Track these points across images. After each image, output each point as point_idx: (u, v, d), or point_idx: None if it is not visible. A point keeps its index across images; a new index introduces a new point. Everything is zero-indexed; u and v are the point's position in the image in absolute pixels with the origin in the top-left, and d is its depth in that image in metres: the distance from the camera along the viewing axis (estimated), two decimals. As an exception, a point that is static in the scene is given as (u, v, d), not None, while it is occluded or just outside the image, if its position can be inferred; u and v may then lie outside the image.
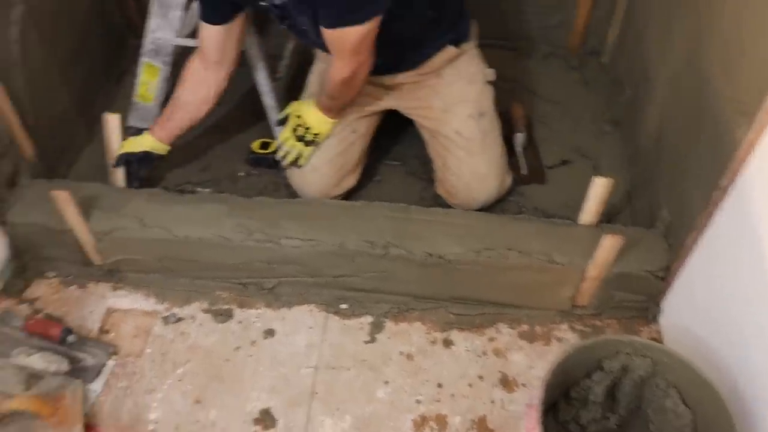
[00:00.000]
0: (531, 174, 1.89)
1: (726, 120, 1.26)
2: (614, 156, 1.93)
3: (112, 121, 1.60)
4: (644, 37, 1.84)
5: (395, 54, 1.62)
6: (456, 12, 1.66)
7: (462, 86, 1.72)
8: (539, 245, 1.53)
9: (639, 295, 1.59)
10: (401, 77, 1.70)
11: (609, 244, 1.46)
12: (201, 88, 1.68)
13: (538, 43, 2.25)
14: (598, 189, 1.52)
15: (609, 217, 1.70)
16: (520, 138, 1.92)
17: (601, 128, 2.02)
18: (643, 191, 1.74)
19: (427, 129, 1.76)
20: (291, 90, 1.91)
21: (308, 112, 1.66)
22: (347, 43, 1.44)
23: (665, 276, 1.53)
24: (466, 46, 1.70)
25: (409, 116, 1.79)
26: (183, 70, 1.69)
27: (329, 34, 1.44)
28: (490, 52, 1.79)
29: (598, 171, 1.88)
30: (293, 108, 1.71)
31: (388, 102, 1.75)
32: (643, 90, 1.80)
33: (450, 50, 1.67)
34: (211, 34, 1.60)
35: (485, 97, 1.74)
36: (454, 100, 1.71)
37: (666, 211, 1.55)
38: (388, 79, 1.70)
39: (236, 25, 1.61)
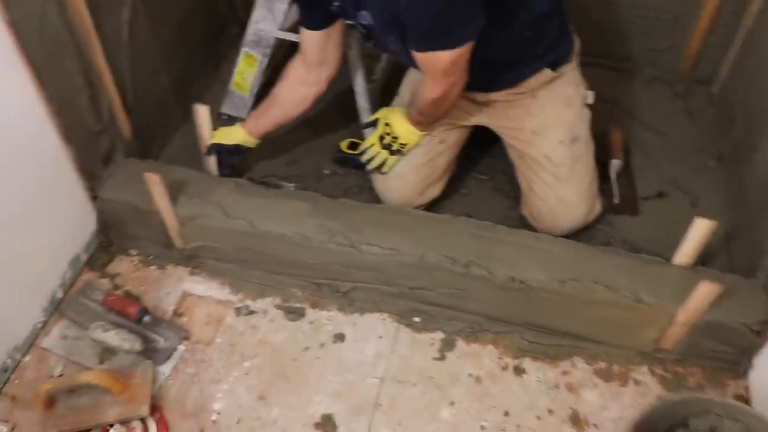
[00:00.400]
0: (623, 204, 1.80)
1: None
2: (715, 194, 1.82)
3: (202, 112, 1.61)
4: (766, 73, 1.72)
5: (489, 74, 1.56)
6: (556, 33, 1.57)
7: (557, 109, 1.64)
8: (628, 282, 1.46)
9: (729, 347, 1.49)
10: (494, 95, 1.64)
11: (705, 291, 1.37)
12: (300, 87, 1.67)
13: (643, 65, 2.15)
14: (699, 231, 1.42)
15: (703, 259, 1.60)
16: (615, 165, 1.84)
17: (703, 162, 1.91)
18: (745, 236, 1.63)
19: (516, 149, 1.70)
20: (385, 93, 1.89)
21: (397, 122, 1.63)
22: (438, 65, 1.39)
23: (762, 331, 1.43)
24: (565, 68, 1.62)
25: (498, 134, 1.74)
26: (285, 67, 1.69)
27: (419, 57, 1.40)
28: (590, 70, 1.71)
29: (695, 208, 1.80)
30: (383, 114, 1.68)
31: (479, 118, 1.70)
32: (758, 127, 1.68)
33: (547, 73, 1.59)
34: (310, 37, 1.59)
35: (581, 121, 1.66)
36: (546, 123, 1.64)
37: (771, 261, 1.45)
38: (480, 96, 1.65)
39: (335, 30, 1.59)
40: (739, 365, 1.51)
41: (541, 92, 1.62)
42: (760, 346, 1.45)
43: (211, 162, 1.71)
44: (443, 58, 1.37)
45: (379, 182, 1.73)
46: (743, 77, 1.89)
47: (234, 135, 1.71)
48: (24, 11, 1.29)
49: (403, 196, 1.70)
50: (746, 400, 1.47)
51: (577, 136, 1.65)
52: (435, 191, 1.75)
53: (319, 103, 1.74)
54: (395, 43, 1.46)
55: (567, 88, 1.64)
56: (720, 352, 1.50)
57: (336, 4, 1.46)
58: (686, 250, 1.47)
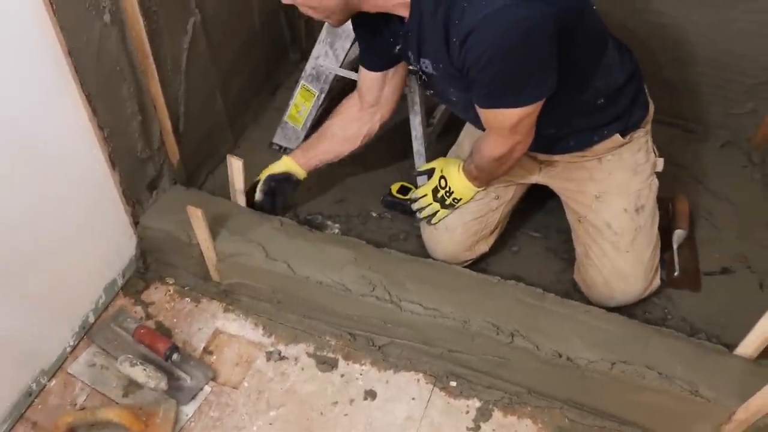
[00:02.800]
0: (684, 277, 1.69)
1: None
2: (787, 274, 1.70)
3: (236, 164, 1.54)
4: None
5: (555, 135, 1.48)
6: (631, 99, 1.48)
7: (623, 176, 1.54)
8: (684, 370, 1.35)
9: (790, 452, 1.37)
10: (557, 157, 1.56)
11: (771, 393, 1.26)
12: (352, 125, 1.63)
13: (718, 128, 2.03)
14: (770, 322, 1.31)
15: (766, 351, 1.48)
16: (679, 235, 1.73)
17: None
18: (817, 329, 1.50)
19: (575, 212, 1.61)
20: (441, 137, 1.83)
21: (454, 176, 1.56)
22: (505, 123, 1.32)
23: (828, 440, 1.31)
24: (636, 133, 1.53)
25: (558, 194, 1.65)
26: (340, 104, 1.64)
27: (483, 112, 1.33)
28: (660, 129, 1.62)
29: (763, 289, 1.67)
30: (440, 165, 1.62)
31: (540, 178, 1.62)
32: None
33: (616, 139, 1.50)
34: (368, 77, 1.55)
35: (648, 190, 1.56)
36: (611, 190, 1.54)
37: None
38: (543, 156, 1.57)
39: (395, 73, 1.54)
40: (797, 472, 1.39)
41: (608, 157, 1.53)
42: (825, 456, 1.33)
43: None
44: (510, 116, 1.29)
45: (427, 233, 1.66)
46: None
47: (282, 164, 1.67)
48: (83, 37, 1.27)
49: (450, 250, 1.63)
50: None
51: (642, 205, 1.55)
52: (484, 247, 1.67)
53: (372, 142, 1.69)
54: (457, 95, 1.40)
55: (635, 155, 1.54)
56: (778, 455, 1.38)
57: (398, 48, 1.40)
58: (753, 341, 1.36)
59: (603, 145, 1.50)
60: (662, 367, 1.36)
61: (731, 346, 1.40)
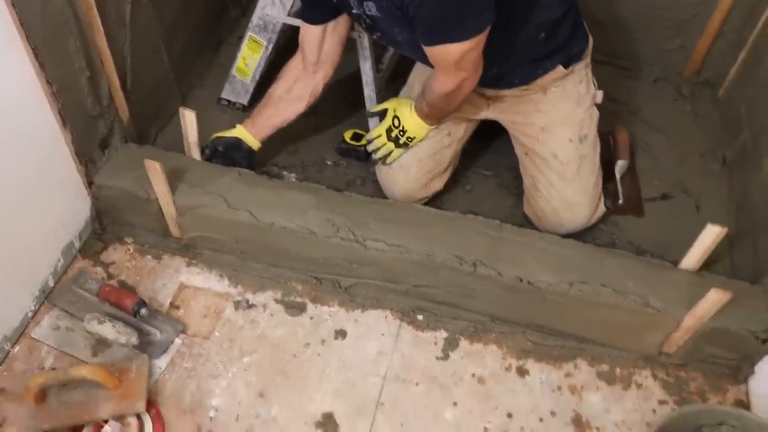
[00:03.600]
0: (628, 205, 1.79)
1: None
2: (719, 198, 1.82)
3: (189, 116, 1.53)
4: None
5: (501, 71, 1.53)
6: (570, 32, 1.54)
7: (567, 107, 1.61)
8: (635, 286, 1.44)
9: (733, 353, 1.48)
10: (505, 91, 1.61)
11: (715, 299, 1.35)
12: (296, 86, 1.64)
13: (650, 65, 2.13)
14: (709, 237, 1.41)
15: (706, 263, 1.59)
16: (622, 165, 1.82)
17: (708, 166, 1.90)
18: (750, 242, 1.62)
19: (523, 145, 1.67)
20: (392, 82, 1.85)
21: (407, 116, 1.60)
22: (449, 59, 1.35)
23: (767, 338, 1.42)
24: (577, 65, 1.59)
25: (506, 128, 1.71)
26: (282, 68, 1.65)
27: (429, 50, 1.36)
28: (597, 68, 1.68)
29: (700, 211, 1.79)
30: (392, 106, 1.64)
31: (488, 113, 1.68)
32: (765, 134, 1.67)
33: (559, 70, 1.56)
34: (310, 33, 1.56)
35: (590, 121, 1.64)
36: (556, 121, 1.61)
37: (777, 269, 1.44)
38: (490, 91, 1.62)
39: (337, 26, 1.55)
40: (740, 371, 1.50)
41: (552, 89, 1.60)
42: (764, 353, 1.45)
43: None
44: (454, 50, 1.33)
45: (383, 173, 1.70)
46: (751, 82, 1.87)
47: (234, 131, 1.68)
48: (25, -12, 1.23)
49: (406, 188, 1.67)
50: (746, 406, 1.47)
51: (585, 135, 1.62)
52: (438, 184, 1.72)
53: (323, 89, 1.70)
54: (402, 35, 1.42)
55: (578, 87, 1.61)
56: (723, 357, 1.50)
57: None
58: (694, 255, 1.46)
59: (547, 77, 1.56)
60: (616, 284, 1.44)
61: (675, 263, 1.49)
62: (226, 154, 1.66)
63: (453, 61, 1.36)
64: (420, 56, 1.44)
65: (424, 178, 1.67)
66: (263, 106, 1.69)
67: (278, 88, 1.66)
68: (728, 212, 1.77)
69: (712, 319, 1.41)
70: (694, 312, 1.40)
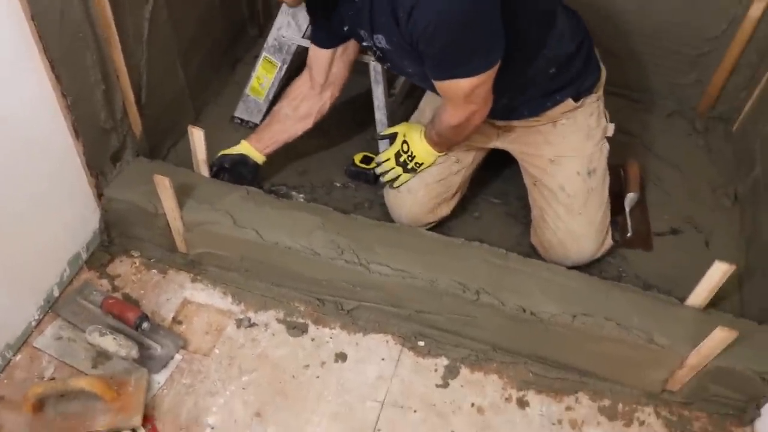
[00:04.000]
0: (637, 238, 1.77)
1: None
2: (730, 234, 1.80)
3: (197, 134, 1.55)
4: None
5: (510, 103, 1.53)
6: (582, 66, 1.54)
7: (576, 140, 1.61)
8: (640, 321, 1.42)
9: (738, 394, 1.46)
10: (515, 122, 1.62)
11: (721, 337, 1.34)
12: (302, 104, 1.66)
13: (664, 98, 2.12)
14: (717, 273, 1.39)
15: (714, 301, 1.57)
16: (631, 198, 1.81)
17: (719, 201, 1.88)
18: (759, 280, 1.60)
19: (531, 176, 1.67)
20: (404, 105, 1.86)
21: (416, 141, 1.60)
22: (459, 93, 1.36)
23: (773, 379, 1.40)
24: (588, 98, 1.59)
25: (516, 158, 1.71)
26: (289, 85, 1.67)
27: (439, 85, 1.38)
28: (609, 99, 1.68)
29: (710, 247, 1.77)
30: (402, 130, 1.65)
31: (498, 143, 1.68)
32: (777, 171, 1.66)
33: (569, 103, 1.56)
34: (318, 55, 1.58)
35: (599, 154, 1.63)
36: (565, 153, 1.61)
37: (787, 310, 1.42)
38: (500, 122, 1.62)
39: (347, 50, 1.57)
40: (745, 413, 1.48)
41: (563, 121, 1.60)
42: (770, 395, 1.43)
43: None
44: (463, 85, 1.34)
45: (390, 196, 1.70)
46: (765, 117, 1.86)
47: (238, 147, 1.69)
48: (45, 3, 1.25)
49: (413, 213, 1.67)
50: (751, 448, 1.45)
51: (594, 168, 1.62)
52: (446, 210, 1.72)
53: (335, 112, 1.72)
54: (412, 67, 1.44)
55: (588, 119, 1.61)
56: (727, 398, 1.47)
57: (346, 29, 1.43)
58: (701, 292, 1.44)
59: (557, 109, 1.56)
60: (620, 318, 1.43)
61: (682, 299, 1.48)
62: (233, 170, 1.68)
63: (462, 95, 1.37)
64: (430, 87, 1.45)
65: (432, 202, 1.67)
66: (269, 122, 1.70)
67: (285, 106, 1.68)
68: (738, 249, 1.75)
69: (717, 358, 1.39)
70: (699, 350, 1.38)
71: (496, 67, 1.31)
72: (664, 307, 1.47)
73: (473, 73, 1.31)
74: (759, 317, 1.49)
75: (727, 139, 2.05)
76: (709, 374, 1.42)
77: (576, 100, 1.56)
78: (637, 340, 1.41)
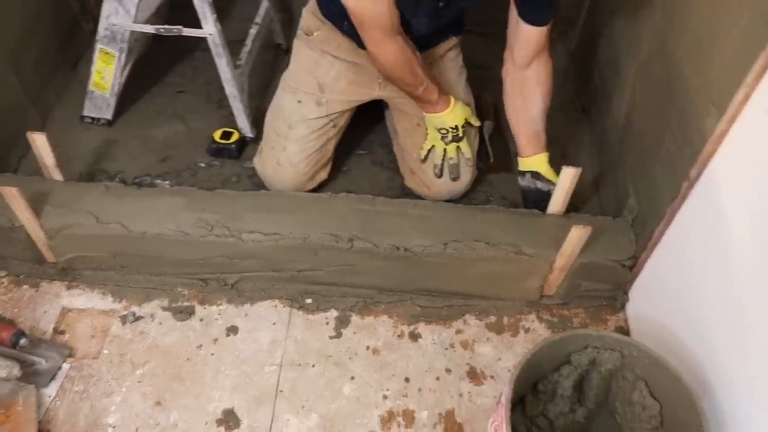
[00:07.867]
0: (498, 162, 1.86)
1: (696, 110, 1.24)
2: (582, 143, 1.91)
3: (39, 139, 1.49)
4: (612, 25, 1.81)
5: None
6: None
7: (453, 76, 1.72)
8: (507, 236, 1.50)
9: (606, 285, 1.57)
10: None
11: (577, 235, 1.43)
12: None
13: (506, 28, 2.20)
14: (566, 178, 1.49)
15: (577, 206, 1.68)
16: (488, 126, 1.89)
17: (569, 115, 1.99)
18: (611, 180, 1.72)
19: (413, 118, 1.70)
20: (252, 77, 1.85)
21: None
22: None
23: (632, 265, 1.51)
24: (458, 38, 1.72)
25: (395, 106, 1.74)
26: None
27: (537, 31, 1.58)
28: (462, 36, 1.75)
29: (566, 158, 1.87)
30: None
31: (380, 92, 1.71)
32: (611, 78, 1.77)
33: (452, 40, 1.68)
34: None
35: (468, 90, 1.75)
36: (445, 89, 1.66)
37: (633, 200, 1.53)
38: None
39: None
40: (616, 300, 1.60)
41: (444, 58, 1.70)
42: (633, 279, 1.54)
43: None
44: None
45: (269, 171, 1.69)
46: (593, 34, 1.98)
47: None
48: None
49: (295, 184, 1.68)
50: (627, 331, 1.56)
51: (468, 102, 1.72)
52: (323, 175, 1.75)
53: (186, 95, 1.69)
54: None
55: (458, 58, 1.72)
56: (598, 290, 1.59)
57: None
58: (557, 199, 1.54)
59: (443, 46, 1.68)
60: (488, 237, 1.50)
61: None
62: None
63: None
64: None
65: (311, 171, 1.70)
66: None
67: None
68: (592, 156, 1.86)
69: (580, 255, 1.48)
70: (562, 252, 1.48)
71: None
72: (527, 219, 1.55)
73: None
74: (614, 213, 1.61)
75: (569, 57, 2.17)
76: (577, 272, 1.53)
77: (457, 35, 1.69)
78: (507, 255, 1.49)
